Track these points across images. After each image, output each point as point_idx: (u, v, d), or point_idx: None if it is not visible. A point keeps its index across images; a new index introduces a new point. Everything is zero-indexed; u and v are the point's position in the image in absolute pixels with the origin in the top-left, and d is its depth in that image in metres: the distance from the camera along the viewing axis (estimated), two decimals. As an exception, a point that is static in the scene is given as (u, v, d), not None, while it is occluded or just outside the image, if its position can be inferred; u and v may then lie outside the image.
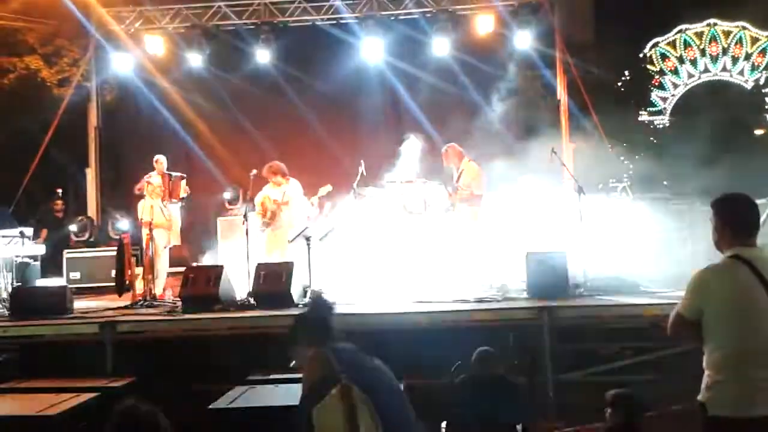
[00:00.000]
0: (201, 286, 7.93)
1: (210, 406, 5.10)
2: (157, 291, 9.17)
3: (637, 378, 6.20)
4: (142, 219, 9.33)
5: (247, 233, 8.90)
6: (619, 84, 17.46)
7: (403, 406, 3.14)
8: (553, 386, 6.51)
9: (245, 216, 8.93)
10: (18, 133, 12.84)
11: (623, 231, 9.76)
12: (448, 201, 9.15)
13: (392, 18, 12.81)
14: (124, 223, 11.07)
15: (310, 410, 2.87)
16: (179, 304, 8.06)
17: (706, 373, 3.36)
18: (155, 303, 8.69)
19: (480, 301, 7.59)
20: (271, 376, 5.86)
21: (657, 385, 6.08)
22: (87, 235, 12.18)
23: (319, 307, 3.30)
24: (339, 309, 7.27)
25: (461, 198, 8.82)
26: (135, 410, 2.87)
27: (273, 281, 7.93)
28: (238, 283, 8.57)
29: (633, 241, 9.65)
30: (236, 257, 9.36)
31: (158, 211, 9.47)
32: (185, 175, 10.60)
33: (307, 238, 8.39)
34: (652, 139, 16.20)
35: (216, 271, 8.18)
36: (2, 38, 14.33)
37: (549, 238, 9.38)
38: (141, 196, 9.86)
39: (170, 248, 9.88)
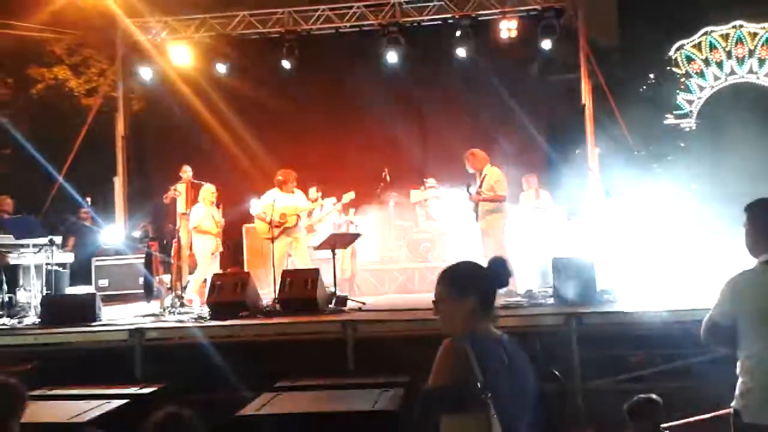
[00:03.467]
0: (228, 292, 7.97)
1: (238, 413, 5.12)
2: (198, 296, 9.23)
3: (667, 385, 6.11)
4: (196, 226, 9.49)
5: (272, 240, 8.96)
6: (645, 87, 17.33)
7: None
8: (582, 393, 6.44)
9: (270, 224, 8.99)
10: (47, 143, 13.06)
11: (648, 235, 9.67)
12: (471, 207, 9.11)
13: (415, 24, 12.84)
14: (150, 231, 11.17)
15: (439, 412, 2.57)
16: (207, 310, 8.11)
17: (740, 380, 3.30)
18: (183, 310, 8.75)
19: (506, 307, 7.52)
20: (299, 383, 5.88)
21: (688, 392, 5.99)
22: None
23: (498, 272, 2.73)
24: (363, 315, 7.27)
25: (485, 201, 8.78)
26: (178, 417, 2.92)
27: (299, 288, 7.95)
28: (264, 290, 8.61)
29: (659, 246, 9.57)
30: (262, 264, 9.41)
31: (210, 218, 9.59)
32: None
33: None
34: (679, 142, 16.06)
35: (242, 278, 8.23)
36: (31, 49, 14.63)
37: (576, 243, 9.32)
38: (172, 204, 9.93)
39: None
